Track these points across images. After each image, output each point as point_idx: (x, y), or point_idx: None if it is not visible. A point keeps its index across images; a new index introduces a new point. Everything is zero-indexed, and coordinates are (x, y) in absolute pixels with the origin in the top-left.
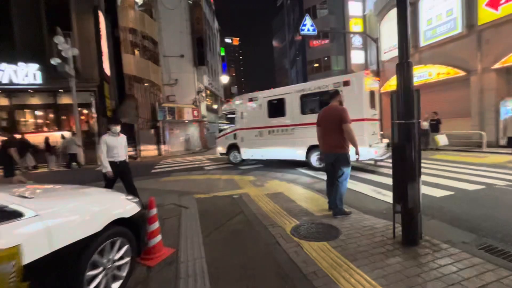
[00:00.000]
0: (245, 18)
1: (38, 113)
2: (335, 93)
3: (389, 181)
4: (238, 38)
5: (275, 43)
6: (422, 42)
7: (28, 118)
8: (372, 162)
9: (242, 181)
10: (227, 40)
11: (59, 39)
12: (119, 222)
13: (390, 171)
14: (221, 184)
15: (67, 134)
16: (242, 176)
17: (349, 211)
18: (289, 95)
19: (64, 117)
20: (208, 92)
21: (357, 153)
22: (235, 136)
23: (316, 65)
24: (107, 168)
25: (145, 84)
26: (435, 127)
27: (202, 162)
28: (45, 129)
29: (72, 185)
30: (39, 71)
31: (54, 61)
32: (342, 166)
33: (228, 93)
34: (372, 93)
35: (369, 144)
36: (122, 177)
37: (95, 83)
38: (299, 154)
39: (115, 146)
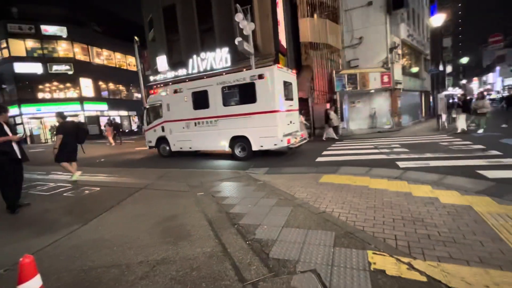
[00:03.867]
0: None
1: None
2: None
3: None
4: None
5: None
6: None
7: None
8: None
9: (503, 224)
10: None
11: (238, 17)
12: None
13: None
14: (438, 218)
15: None
16: (495, 201)
17: None
18: (212, 87)
19: None
20: (405, 49)
21: None
22: (163, 129)
23: None
24: None
25: (322, 51)
26: None
27: (392, 151)
28: None
29: None
30: (229, 54)
31: (236, 40)
32: None
33: (439, 48)
34: (287, 85)
35: (283, 134)
36: None
37: (272, 57)
38: (223, 145)
39: None
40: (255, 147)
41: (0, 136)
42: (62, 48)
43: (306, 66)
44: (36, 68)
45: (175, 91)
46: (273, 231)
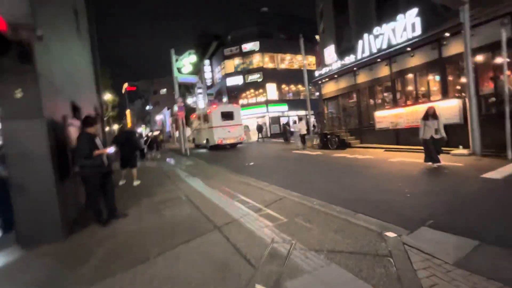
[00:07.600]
0: None
1: (418, 77)
2: None
3: None
4: None
5: None
6: None
7: (408, 87)
8: None
9: None
10: None
11: None
12: None
13: None
14: None
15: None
16: None
17: None
18: (201, 114)
19: (450, 78)
20: None
21: None
22: (193, 133)
23: None
24: None
25: None
26: None
27: None
28: (429, 98)
29: None
30: (418, 17)
31: None
32: None
33: None
34: (225, 113)
35: (218, 138)
36: None
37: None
38: (204, 142)
39: None
40: (210, 144)
41: (92, 149)
42: (255, 60)
43: None
44: (238, 80)
45: (194, 115)
46: None
